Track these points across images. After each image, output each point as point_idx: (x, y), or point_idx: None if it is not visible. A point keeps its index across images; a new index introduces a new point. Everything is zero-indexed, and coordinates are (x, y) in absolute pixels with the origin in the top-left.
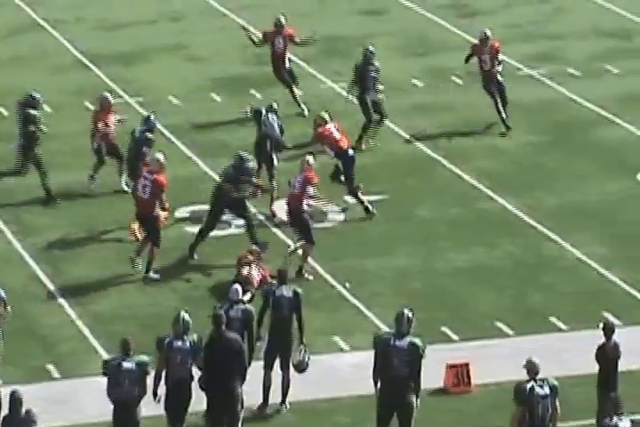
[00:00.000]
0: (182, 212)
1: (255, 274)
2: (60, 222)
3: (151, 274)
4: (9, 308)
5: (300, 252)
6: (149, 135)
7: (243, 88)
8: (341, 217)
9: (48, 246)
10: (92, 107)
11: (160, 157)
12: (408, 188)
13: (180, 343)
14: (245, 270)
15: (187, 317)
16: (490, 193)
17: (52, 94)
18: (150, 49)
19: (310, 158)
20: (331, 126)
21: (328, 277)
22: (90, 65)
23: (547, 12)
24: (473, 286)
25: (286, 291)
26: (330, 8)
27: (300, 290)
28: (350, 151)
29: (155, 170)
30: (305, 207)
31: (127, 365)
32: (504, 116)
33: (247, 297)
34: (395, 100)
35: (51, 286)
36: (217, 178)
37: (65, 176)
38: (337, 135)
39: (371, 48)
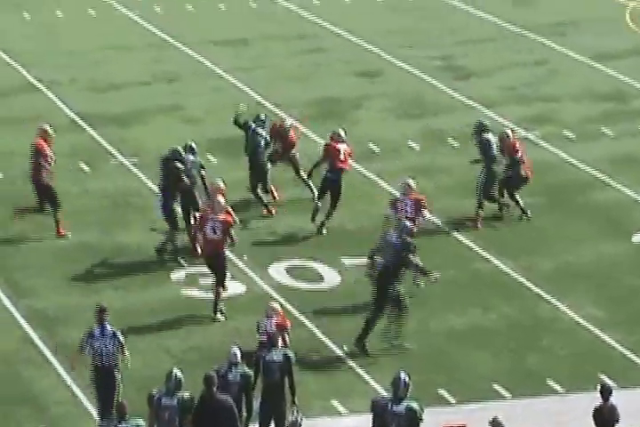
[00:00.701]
0: (177, 274)
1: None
2: (54, 284)
3: (218, 315)
4: None
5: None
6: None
7: (238, 149)
8: (339, 279)
9: (42, 309)
10: (86, 168)
11: (221, 200)
12: None
13: (168, 400)
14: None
15: (179, 374)
16: (485, 254)
17: None
18: (145, 110)
19: (411, 181)
20: (341, 146)
21: (325, 339)
22: (84, 126)
23: (541, 74)
24: (469, 348)
25: (277, 355)
26: (325, 69)
27: (291, 353)
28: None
29: (219, 210)
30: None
31: None
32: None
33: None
34: (390, 161)
35: (44, 349)
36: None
37: (60, 238)
38: (340, 156)
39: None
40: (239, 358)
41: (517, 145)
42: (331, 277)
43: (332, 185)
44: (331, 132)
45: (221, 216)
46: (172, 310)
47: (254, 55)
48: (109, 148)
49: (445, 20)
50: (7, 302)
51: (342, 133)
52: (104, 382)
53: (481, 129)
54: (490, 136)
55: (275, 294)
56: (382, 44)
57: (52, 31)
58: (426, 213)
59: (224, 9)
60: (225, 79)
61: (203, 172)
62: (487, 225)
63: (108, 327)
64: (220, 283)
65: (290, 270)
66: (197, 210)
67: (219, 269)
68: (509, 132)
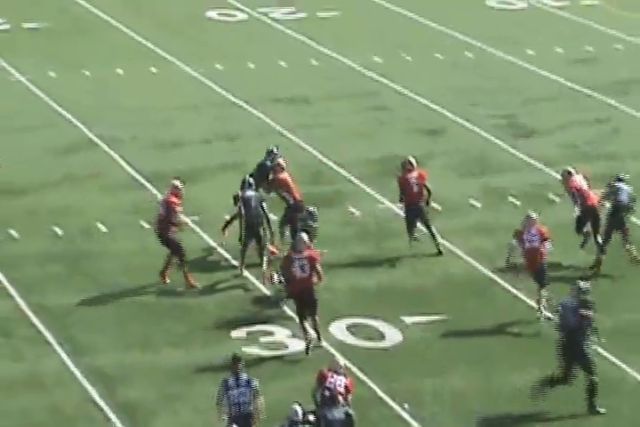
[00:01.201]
0: (238, 332)
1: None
2: (113, 342)
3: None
4: None
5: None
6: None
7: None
8: (400, 338)
9: (102, 367)
10: (147, 226)
11: (304, 236)
12: (466, 308)
13: None
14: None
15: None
16: (548, 314)
17: (106, 213)
18: (206, 168)
19: (534, 214)
20: (410, 175)
21: (386, 397)
22: (145, 183)
23: (603, 132)
24: (533, 408)
25: (338, 413)
26: (387, 127)
27: (351, 411)
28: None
29: (303, 248)
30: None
31: None
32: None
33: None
34: (452, 220)
35: (105, 407)
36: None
37: (120, 296)
38: (414, 187)
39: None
40: (300, 415)
41: (577, 182)
42: (392, 336)
43: (417, 215)
44: (403, 161)
45: (305, 253)
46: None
47: (316, 113)
48: None
49: (507, 79)
50: (67, 360)
51: (414, 162)
52: None
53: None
54: (621, 185)
55: (335, 352)
56: (444, 102)
57: (113, 88)
58: (548, 244)
59: (285, 66)
60: (286, 137)
61: (264, 204)
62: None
63: (244, 376)
64: (314, 316)
65: (351, 328)
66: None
67: (313, 305)
68: (571, 168)
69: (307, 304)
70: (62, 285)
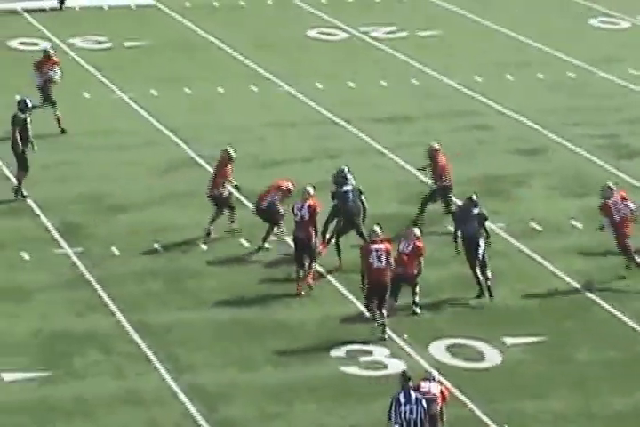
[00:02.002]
0: (337, 351)
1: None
2: (213, 360)
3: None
4: None
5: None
6: None
7: (398, 226)
8: (500, 359)
9: (202, 384)
10: (247, 243)
11: (378, 229)
12: (567, 330)
13: None
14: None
15: None
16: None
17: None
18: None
19: (610, 184)
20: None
21: (486, 419)
22: (245, 201)
23: None
24: None
25: None
26: (488, 147)
27: None
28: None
29: (378, 239)
30: None
31: None
32: None
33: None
34: (553, 240)
35: (204, 425)
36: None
37: (220, 314)
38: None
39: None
40: None
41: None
42: (492, 357)
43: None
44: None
45: (383, 244)
46: (331, 387)
47: (416, 132)
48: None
49: (609, 98)
50: (167, 377)
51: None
52: None
53: None
54: None
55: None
56: (545, 121)
57: (214, 106)
58: (630, 203)
59: (386, 85)
60: (386, 156)
61: (362, 197)
62: None
63: (413, 393)
64: (382, 300)
65: (451, 349)
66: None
67: (384, 292)
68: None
69: (379, 292)
70: (162, 302)
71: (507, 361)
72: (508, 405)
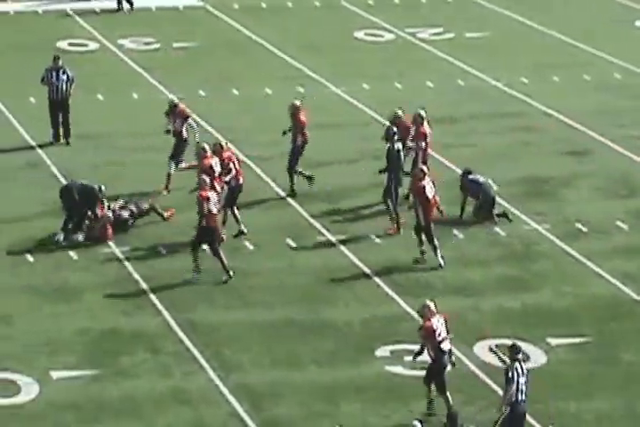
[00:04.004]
0: (382, 351)
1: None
2: (260, 359)
3: None
4: None
5: None
6: None
7: (445, 226)
8: (544, 359)
9: (249, 384)
10: (293, 243)
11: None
12: (611, 331)
13: None
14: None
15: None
16: None
17: (254, 231)
18: (352, 187)
19: None
20: None
21: (530, 419)
22: (291, 202)
23: None
24: None
25: None
26: (533, 148)
27: None
28: None
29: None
30: None
31: None
32: None
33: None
34: (598, 241)
35: (251, 424)
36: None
37: (267, 313)
38: None
39: None
40: None
41: None
42: (536, 357)
43: None
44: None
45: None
46: (376, 386)
47: (461, 132)
48: (316, 224)
49: None
50: (214, 376)
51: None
52: None
53: None
54: None
55: (479, 373)
56: (591, 122)
57: (261, 107)
58: None
59: (432, 86)
60: (432, 156)
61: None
62: None
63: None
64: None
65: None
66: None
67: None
68: None
69: None
70: (209, 301)
71: (551, 362)
72: (553, 405)
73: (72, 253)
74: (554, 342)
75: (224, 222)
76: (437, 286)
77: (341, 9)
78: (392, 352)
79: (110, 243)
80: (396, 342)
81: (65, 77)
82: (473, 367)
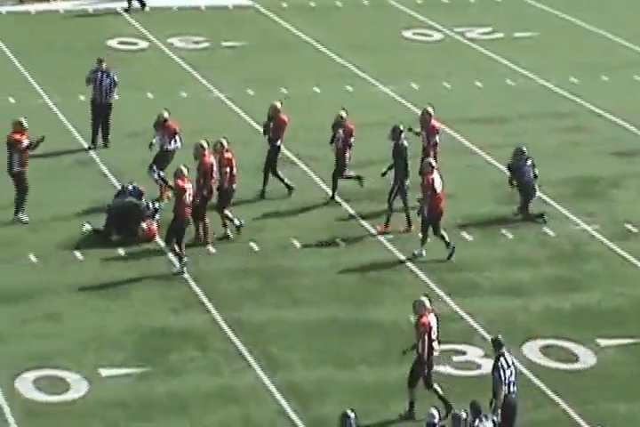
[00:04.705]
0: None
1: None
2: (307, 358)
3: None
4: None
5: None
6: None
7: (494, 226)
8: (594, 360)
9: (296, 382)
10: (341, 243)
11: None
12: None
13: None
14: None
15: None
16: None
17: (302, 230)
18: None
19: None
20: None
21: (579, 420)
22: (340, 200)
23: None
24: None
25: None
26: (582, 148)
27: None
28: None
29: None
30: None
31: None
32: None
33: None
34: None
35: (298, 423)
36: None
37: (314, 312)
38: None
39: None
40: (437, 418)
41: None
42: (586, 358)
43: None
44: None
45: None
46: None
47: (510, 133)
48: (363, 222)
49: None
50: (263, 375)
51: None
52: None
53: None
54: None
55: (528, 373)
56: None
57: (309, 106)
58: None
59: (481, 86)
60: (479, 156)
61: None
62: None
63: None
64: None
65: (544, 350)
66: None
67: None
68: None
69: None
70: (257, 300)
71: (601, 362)
72: (602, 406)
73: (121, 251)
74: (603, 342)
75: (224, 225)
76: (485, 286)
77: (390, 8)
78: (440, 352)
79: (159, 240)
80: (444, 341)
81: (109, 80)
82: (521, 367)
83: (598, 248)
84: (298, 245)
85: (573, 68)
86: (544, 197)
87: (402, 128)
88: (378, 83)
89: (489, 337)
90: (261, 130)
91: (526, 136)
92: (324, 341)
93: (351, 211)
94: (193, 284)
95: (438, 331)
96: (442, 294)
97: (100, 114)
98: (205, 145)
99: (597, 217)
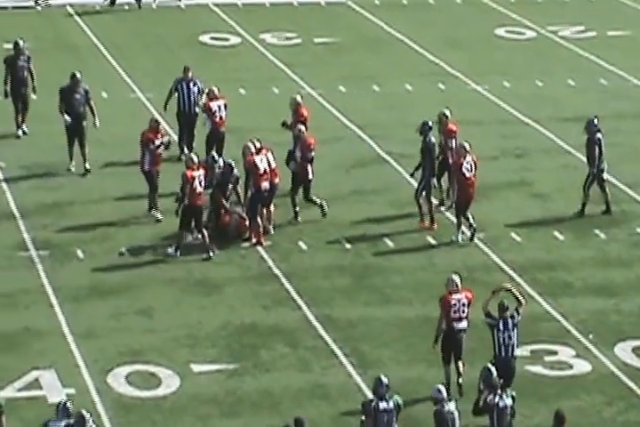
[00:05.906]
0: (523, 350)
1: None
2: (399, 357)
3: None
4: None
5: None
6: None
7: (586, 226)
8: None
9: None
10: (432, 241)
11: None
12: None
13: (384, 404)
14: None
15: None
16: None
17: (393, 228)
18: (492, 185)
19: None
20: None
21: None
22: (432, 200)
23: None
24: None
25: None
26: None
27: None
28: None
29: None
30: None
31: None
32: None
33: None
34: None
35: None
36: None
37: (405, 310)
38: None
39: None
40: (444, 394)
41: None
42: None
43: None
44: None
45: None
46: (516, 386)
47: (605, 132)
48: (456, 221)
49: None
50: (354, 373)
51: None
52: None
53: None
54: None
55: (620, 375)
56: None
57: (402, 104)
58: None
59: (574, 85)
60: (574, 156)
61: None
62: None
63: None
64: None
65: (637, 350)
66: None
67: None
68: None
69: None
70: (349, 297)
71: None
72: None
73: (213, 248)
74: None
75: (269, 219)
76: (578, 285)
77: (482, 6)
78: (532, 352)
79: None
80: (536, 341)
81: (195, 89)
82: (613, 368)
83: None
84: (390, 243)
85: None
86: (637, 197)
87: (430, 124)
88: (470, 81)
89: (581, 337)
90: (354, 127)
91: (620, 135)
92: (415, 339)
93: (442, 209)
94: (284, 280)
95: (468, 312)
96: (534, 293)
97: (187, 123)
98: (251, 146)
99: None
